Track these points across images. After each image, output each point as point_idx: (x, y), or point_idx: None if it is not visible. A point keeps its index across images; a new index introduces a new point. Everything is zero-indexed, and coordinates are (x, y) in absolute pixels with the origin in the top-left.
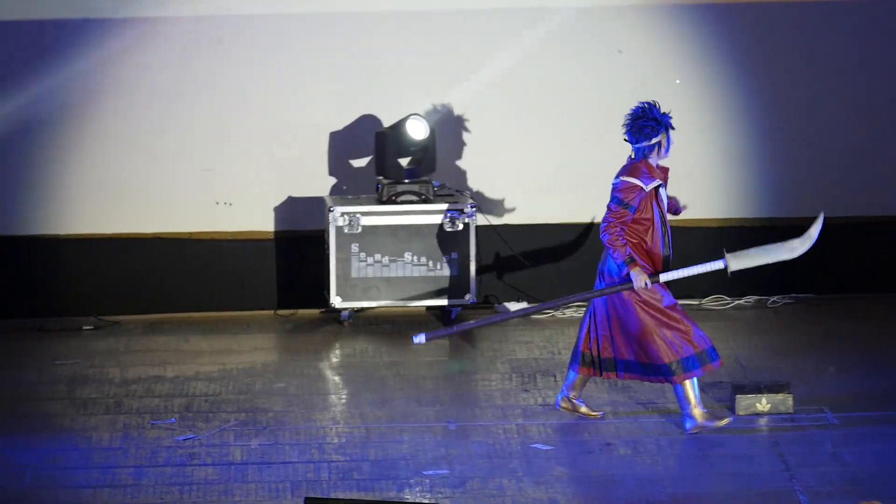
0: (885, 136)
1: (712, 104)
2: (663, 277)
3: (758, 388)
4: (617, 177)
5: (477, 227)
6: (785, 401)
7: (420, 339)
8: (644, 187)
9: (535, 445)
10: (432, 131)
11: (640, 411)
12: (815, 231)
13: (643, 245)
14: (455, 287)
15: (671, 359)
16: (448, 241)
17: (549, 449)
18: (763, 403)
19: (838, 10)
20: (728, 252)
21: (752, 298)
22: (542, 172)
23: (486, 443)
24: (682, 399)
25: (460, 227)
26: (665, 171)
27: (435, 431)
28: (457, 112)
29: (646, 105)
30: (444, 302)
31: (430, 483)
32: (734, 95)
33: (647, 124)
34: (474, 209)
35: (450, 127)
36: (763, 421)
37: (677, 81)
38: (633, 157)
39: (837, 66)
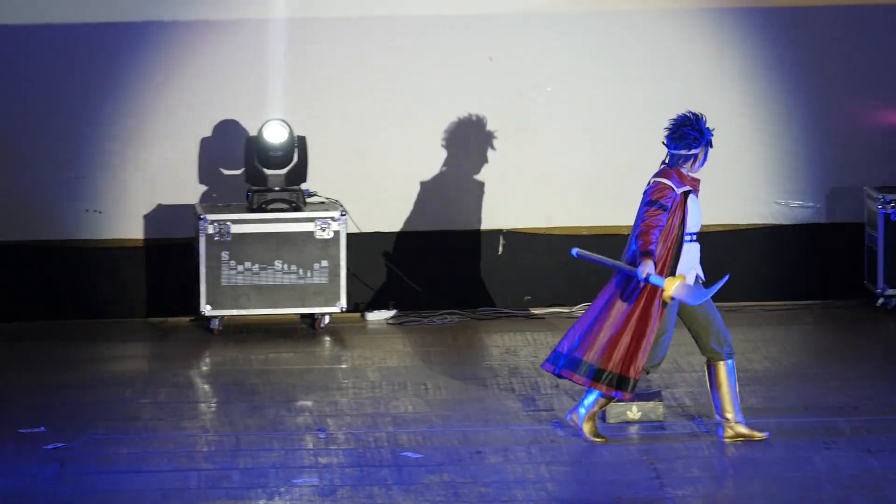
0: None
1: (586, 110)
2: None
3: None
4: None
5: (348, 234)
6: (655, 409)
7: (575, 251)
8: (675, 188)
9: (405, 454)
10: (301, 138)
11: (511, 419)
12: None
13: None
14: (325, 294)
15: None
16: (318, 249)
17: (419, 457)
18: (634, 412)
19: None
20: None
21: None
22: (413, 180)
23: (356, 451)
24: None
25: (330, 234)
26: (697, 182)
27: (305, 440)
28: (328, 119)
29: (693, 115)
30: (314, 310)
31: (300, 492)
32: (608, 101)
33: (690, 133)
34: (344, 217)
35: (322, 134)
36: (634, 429)
37: (548, 89)
38: (666, 162)
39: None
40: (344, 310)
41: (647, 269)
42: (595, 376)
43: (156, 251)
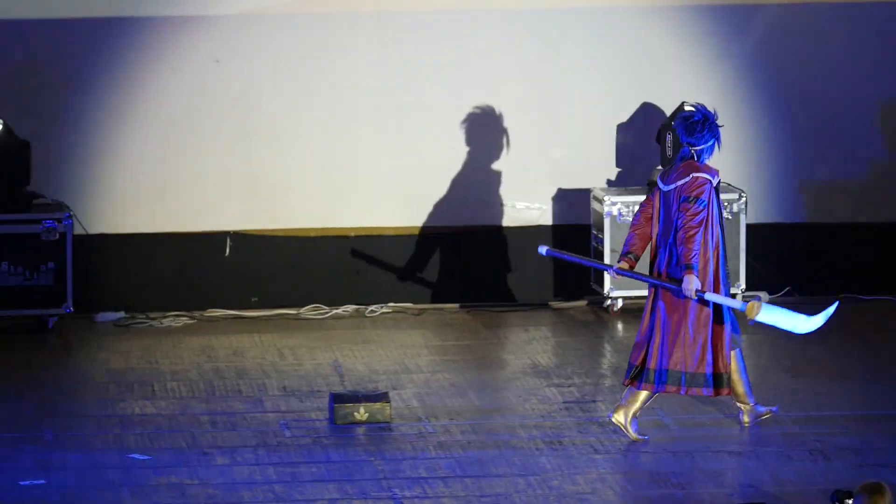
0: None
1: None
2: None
3: (356, 398)
4: (671, 182)
5: (74, 235)
6: (382, 410)
7: (542, 249)
8: (712, 180)
9: (133, 455)
10: (25, 142)
11: (239, 421)
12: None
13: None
14: (52, 296)
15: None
16: (44, 251)
17: (147, 459)
18: (361, 412)
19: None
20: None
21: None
22: (142, 182)
23: (83, 452)
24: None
25: (56, 236)
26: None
27: (32, 441)
28: (54, 122)
29: (709, 110)
30: (41, 311)
31: (27, 493)
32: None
33: (714, 128)
34: (70, 219)
35: (47, 135)
36: (361, 430)
37: (217, 60)
38: (693, 157)
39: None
40: (70, 311)
41: (692, 284)
42: (691, 382)
43: None
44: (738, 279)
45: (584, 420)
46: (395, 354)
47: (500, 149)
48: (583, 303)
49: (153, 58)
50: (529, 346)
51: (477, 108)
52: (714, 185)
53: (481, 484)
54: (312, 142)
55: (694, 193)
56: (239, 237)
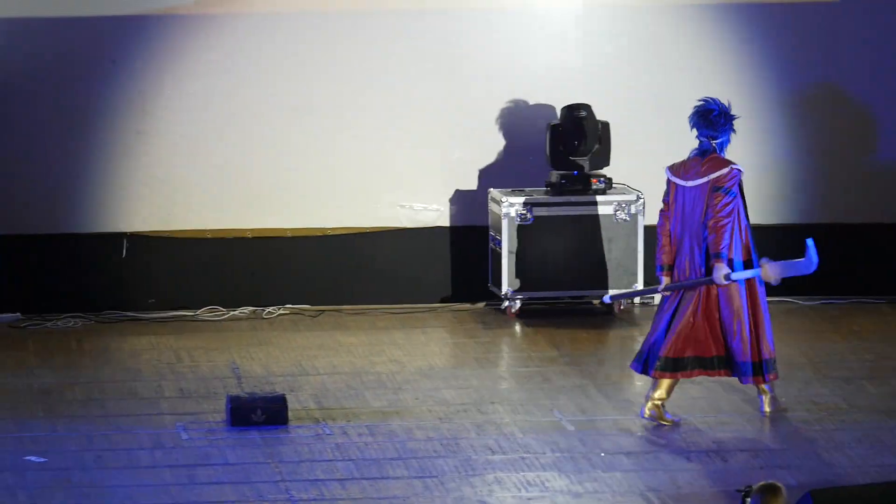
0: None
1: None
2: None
3: (253, 400)
4: (697, 176)
5: None
6: (280, 412)
7: (607, 298)
8: (741, 171)
9: (29, 458)
10: None
11: (134, 423)
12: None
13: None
14: None
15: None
16: None
17: (43, 461)
18: (258, 415)
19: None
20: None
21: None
22: (33, 183)
23: None
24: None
25: None
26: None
27: None
28: None
29: (722, 102)
30: None
31: None
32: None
33: (732, 118)
34: None
35: None
36: (258, 432)
37: (113, 61)
38: (714, 150)
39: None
40: None
41: (721, 272)
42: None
43: None
44: (636, 280)
45: (481, 422)
46: (293, 356)
47: (398, 150)
48: (481, 304)
49: (48, 59)
50: (427, 347)
51: (375, 108)
52: (741, 176)
53: (379, 486)
54: (209, 143)
55: (727, 184)
56: (135, 238)
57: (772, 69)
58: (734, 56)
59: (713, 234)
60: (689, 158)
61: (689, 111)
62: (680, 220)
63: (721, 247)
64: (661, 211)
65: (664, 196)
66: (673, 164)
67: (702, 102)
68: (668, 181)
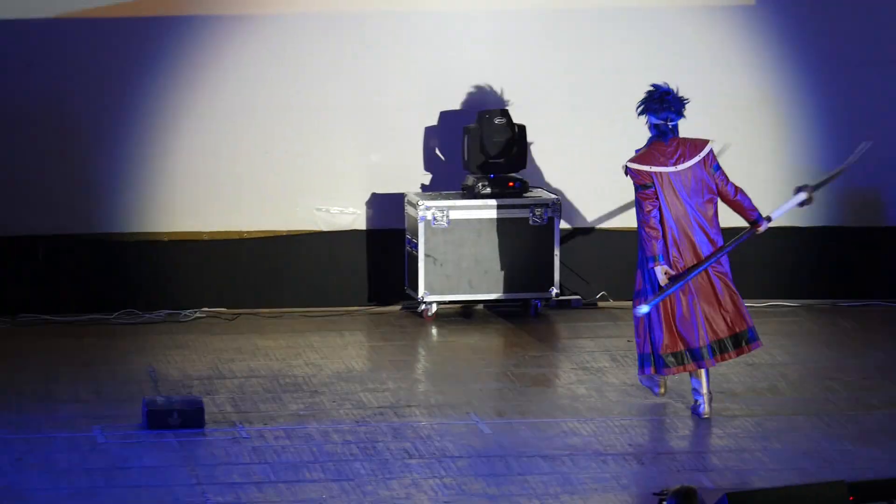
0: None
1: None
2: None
3: (170, 403)
4: (685, 159)
5: None
6: (196, 415)
7: (644, 308)
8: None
9: None
10: None
11: (50, 426)
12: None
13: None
14: None
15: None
16: None
17: None
18: (175, 418)
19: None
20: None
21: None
22: None
23: None
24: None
25: None
26: None
27: None
28: None
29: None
30: None
31: None
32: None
33: (684, 99)
34: None
35: None
36: (175, 435)
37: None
38: (668, 133)
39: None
40: None
41: (763, 215)
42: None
43: None
44: (552, 283)
45: (398, 425)
46: (209, 359)
47: (315, 153)
48: (397, 307)
49: None
50: (344, 350)
51: (291, 111)
52: None
53: (295, 489)
54: (124, 144)
55: (717, 160)
56: (51, 241)
57: (702, 72)
58: (653, 59)
59: (739, 193)
60: (651, 146)
61: (637, 99)
62: (674, 205)
63: (751, 200)
64: (645, 203)
65: (644, 190)
66: (640, 157)
67: (653, 88)
68: (649, 173)
